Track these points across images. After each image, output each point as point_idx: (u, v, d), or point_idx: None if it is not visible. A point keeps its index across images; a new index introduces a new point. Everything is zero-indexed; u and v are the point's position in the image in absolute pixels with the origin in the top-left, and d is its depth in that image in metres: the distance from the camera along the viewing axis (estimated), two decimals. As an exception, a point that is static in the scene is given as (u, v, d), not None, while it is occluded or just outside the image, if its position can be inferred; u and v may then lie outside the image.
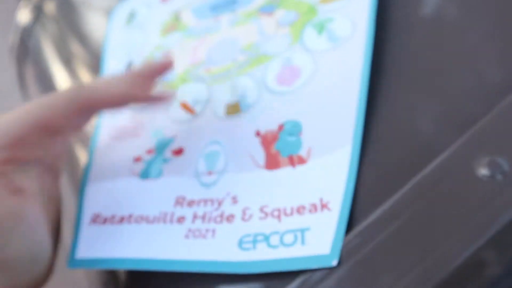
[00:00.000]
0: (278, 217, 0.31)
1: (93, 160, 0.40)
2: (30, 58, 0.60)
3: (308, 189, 0.31)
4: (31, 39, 0.60)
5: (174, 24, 0.46)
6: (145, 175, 0.37)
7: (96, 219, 0.36)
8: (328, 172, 0.31)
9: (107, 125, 0.43)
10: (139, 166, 0.37)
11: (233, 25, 0.43)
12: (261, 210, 0.32)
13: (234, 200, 0.33)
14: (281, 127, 0.35)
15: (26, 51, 0.60)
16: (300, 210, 0.31)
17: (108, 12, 0.53)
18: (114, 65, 0.47)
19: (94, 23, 0.56)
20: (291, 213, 0.31)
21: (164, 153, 0.38)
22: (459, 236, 0.24)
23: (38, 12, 0.61)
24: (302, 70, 0.36)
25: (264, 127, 0.35)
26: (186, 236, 0.32)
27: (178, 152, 0.37)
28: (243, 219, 0.32)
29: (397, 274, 0.25)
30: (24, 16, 0.62)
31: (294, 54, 0.38)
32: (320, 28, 0.38)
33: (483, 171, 0.26)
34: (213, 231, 0.32)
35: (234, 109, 0.37)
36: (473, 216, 0.25)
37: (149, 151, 0.38)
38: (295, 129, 0.34)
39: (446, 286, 0.24)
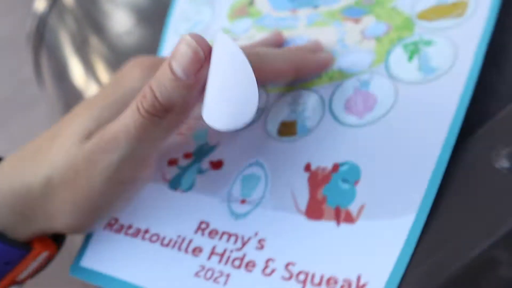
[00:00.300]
0: (303, 282, 0.26)
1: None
2: (45, 46, 0.58)
3: (347, 258, 0.26)
4: (47, 27, 0.58)
5: (245, 8, 0.41)
6: (175, 184, 0.33)
7: (112, 224, 0.32)
8: (378, 244, 0.25)
9: None
10: (172, 172, 0.34)
11: (311, 24, 0.37)
12: (286, 267, 0.27)
13: (261, 244, 0.28)
14: (336, 167, 0.29)
15: (41, 39, 0.59)
16: (330, 282, 0.25)
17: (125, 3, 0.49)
18: (174, 40, 0.43)
19: (111, 13, 0.53)
20: (319, 283, 0.25)
21: (202, 162, 0.33)
22: (476, 229, 0.24)
23: (54, 0, 0.59)
24: (379, 101, 0.30)
25: (317, 161, 0.30)
26: (197, 274, 0.28)
27: (217, 165, 0.33)
28: (263, 272, 0.27)
29: (411, 265, 0.24)
30: (40, 4, 0.60)
31: (373, 78, 0.31)
32: (413, 51, 0.31)
33: (502, 163, 0.25)
34: (227, 276, 0.27)
35: (289, 129, 0.32)
36: (491, 209, 0.24)
37: (187, 155, 0.34)
38: (352, 174, 0.28)
39: (460, 279, 0.23)
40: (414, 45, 0.31)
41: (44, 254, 0.31)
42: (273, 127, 0.32)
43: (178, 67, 0.26)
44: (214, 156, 0.33)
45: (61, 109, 0.49)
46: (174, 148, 0.35)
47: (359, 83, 0.31)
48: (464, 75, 0.28)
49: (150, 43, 0.46)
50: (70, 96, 0.48)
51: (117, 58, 0.49)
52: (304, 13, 0.37)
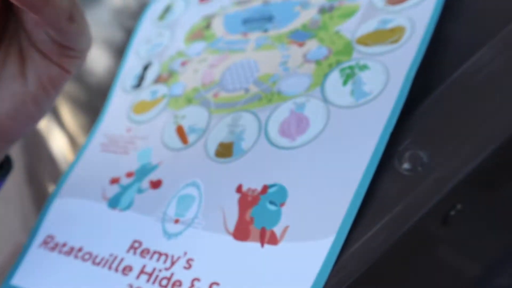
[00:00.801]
0: None
1: (72, 170, 0.37)
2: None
3: (269, 279, 0.25)
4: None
5: (202, 31, 0.41)
6: (114, 203, 0.33)
7: (48, 241, 0.32)
8: (298, 265, 0.25)
9: (101, 132, 0.39)
10: (113, 190, 0.34)
11: (259, 47, 0.37)
12: (210, 287, 0.27)
13: (189, 264, 0.28)
14: (265, 188, 0.29)
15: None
16: None
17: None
18: (134, 60, 0.43)
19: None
20: None
21: (143, 182, 0.33)
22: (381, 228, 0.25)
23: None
24: (311, 124, 0.30)
25: (248, 183, 0.30)
26: None
27: (156, 184, 0.33)
28: None
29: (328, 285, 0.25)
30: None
31: (309, 101, 0.31)
32: (348, 75, 0.31)
33: (405, 165, 0.27)
34: None
35: (226, 150, 0.32)
36: (393, 209, 0.25)
37: (129, 174, 0.35)
38: (279, 196, 0.28)
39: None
40: (350, 69, 0.31)
41: None
42: (211, 148, 0.33)
43: None
44: (155, 175, 0.33)
45: (20, 153, 0.49)
46: (118, 165, 0.35)
47: (295, 106, 0.31)
48: (392, 99, 0.28)
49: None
50: (30, 141, 0.49)
51: (85, 99, 0.49)
52: (254, 36, 0.38)
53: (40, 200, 0.43)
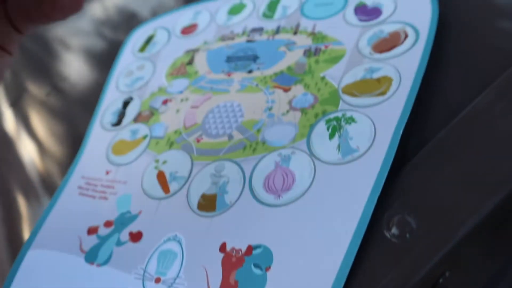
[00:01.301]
0: None
1: (48, 215, 0.36)
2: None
3: None
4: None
5: (184, 67, 0.40)
6: (91, 257, 0.31)
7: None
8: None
9: (79, 173, 0.37)
10: (91, 241, 0.32)
11: (243, 89, 0.36)
12: None
13: None
14: (250, 249, 0.28)
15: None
16: None
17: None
18: (113, 94, 0.42)
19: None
20: None
21: (122, 233, 0.32)
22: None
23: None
24: (297, 180, 0.29)
25: (232, 242, 0.29)
26: None
27: (136, 237, 0.32)
28: None
29: None
30: None
31: (294, 154, 0.30)
32: (334, 128, 0.30)
33: (393, 230, 0.26)
34: None
35: (209, 203, 0.31)
36: (381, 281, 0.24)
37: (107, 224, 0.33)
38: (264, 259, 0.27)
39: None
40: (336, 121, 0.31)
41: None
42: (194, 199, 0.31)
43: None
44: (135, 226, 0.32)
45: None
46: (96, 212, 0.34)
47: (280, 158, 0.30)
48: (379, 158, 0.28)
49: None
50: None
51: (60, 107, 0.48)
52: (238, 76, 0.37)
53: (7, 209, 0.42)
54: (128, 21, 0.53)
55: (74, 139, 0.42)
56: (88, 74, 0.50)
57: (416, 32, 0.33)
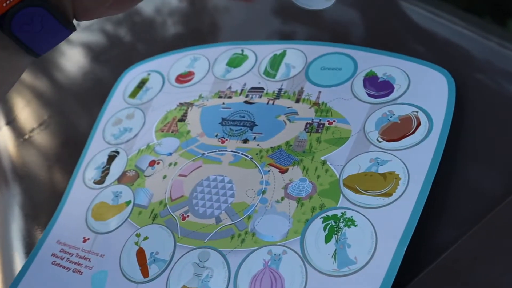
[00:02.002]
0: None
1: (18, 285, 0.33)
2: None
3: None
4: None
5: (176, 124, 0.37)
6: None
7: None
8: None
9: (55, 237, 0.34)
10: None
11: (236, 162, 0.33)
12: None
13: None
14: None
15: None
16: None
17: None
18: (99, 145, 0.38)
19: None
20: None
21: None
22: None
23: None
24: (286, 287, 0.27)
25: None
26: None
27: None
28: None
29: None
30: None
31: (286, 254, 0.27)
32: (332, 230, 0.27)
33: None
34: None
35: (189, 297, 0.29)
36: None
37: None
38: None
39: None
40: (335, 220, 0.28)
41: None
42: None
43: None
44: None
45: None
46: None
47: (270, 257, 0.28)
48: (380, 274, 0.25)
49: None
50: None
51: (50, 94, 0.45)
52: (232, 145, 0.34)
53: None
54: (131, 17, 0.51)
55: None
56: (82, 66, 0.49)
57: (430, 120, 0.30)
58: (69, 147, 0.41)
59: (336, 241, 0.27)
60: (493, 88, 0.32)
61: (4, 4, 0.25)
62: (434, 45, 0.36)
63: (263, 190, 0.31)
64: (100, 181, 0.36)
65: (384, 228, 0.26)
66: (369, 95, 0.33)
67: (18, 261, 0.36)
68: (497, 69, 0.33)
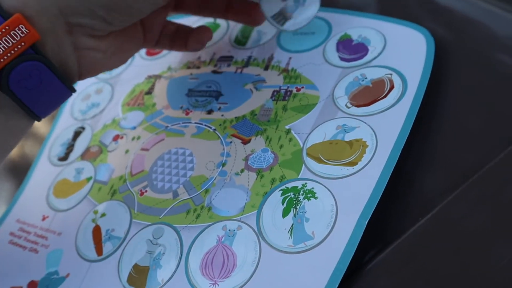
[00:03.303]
0: None
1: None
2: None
3: None
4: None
5: (142, 96, 0.35)
6: (5, 326, 0.28)
7: None
8: None
9: (14, 215, 0.33)
10: (9, 306, 0.29)
11: (199, 134, 0.31)
12: None
13: None
14: None
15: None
16: None
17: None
18: (66, 121, 0.37)
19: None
20: None
21: (44, 298, 0.28)
22: None
23: None
24: (238, 266, 0.24)
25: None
26: None
27: (58, 305, 0.28)
28: None
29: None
30: None
31: (240, 230, 0.25)
32: (290, 203, 0.25)
33: None
34: None
35: (139, 278, 0.26)
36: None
37: (31, 285, 0.29)
38: None
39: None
40: (294, 193, 0.25)
41: (20, 32, 0.24)
42: (125, 268, 0.27)
43: None
44: (60, 292, 0.28)
45: None
46: (23, 270, 0.30)
47: (224, 233, 0.26)
48: (336, 254, 0.22)
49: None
50: None
51: None
52: (196, 117, 0.32)
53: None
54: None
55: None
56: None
57: (404, 83, 0.27)
58: (37, 125, 0.40)
59: (294, 215, 0.24)
60: (477, 51, 0.28)
61: (1, 60, 0.24)
62: (415, 4, 0.32)
63: (223, 162, 0.28)
64: (64, 158, 0.35)
65: (346, 200, 0.24)
66: (342, 59, 0.30)
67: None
68: (483, 30, 0.30)
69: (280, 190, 0.26)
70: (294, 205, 0.25)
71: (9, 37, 0.24)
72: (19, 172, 0.38)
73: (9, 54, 0.24)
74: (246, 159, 0.28)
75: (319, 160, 0.26)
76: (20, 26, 0.24)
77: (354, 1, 0.35)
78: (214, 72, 0.34)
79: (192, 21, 0.38)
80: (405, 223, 0.23)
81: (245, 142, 0.29)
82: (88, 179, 0.33)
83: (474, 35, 0.29)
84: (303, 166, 0.26)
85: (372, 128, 0.26)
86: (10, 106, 0.25)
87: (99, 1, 0.25)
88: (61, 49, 0.25)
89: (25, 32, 0.24)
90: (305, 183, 0.25)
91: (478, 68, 0.27)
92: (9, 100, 0.25)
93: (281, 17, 0.31)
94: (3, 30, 0.23)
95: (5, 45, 0.24)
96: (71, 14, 0.25)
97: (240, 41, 0.35)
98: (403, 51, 0.29)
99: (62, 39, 0.25)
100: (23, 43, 0.24)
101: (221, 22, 0.37)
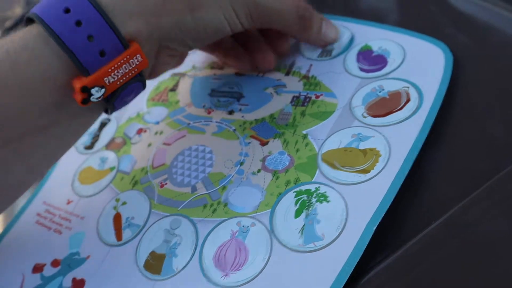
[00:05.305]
0: None
1: (3, 240, 0.33)
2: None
3: None
4: None
5: (166, 94, 0.36)
6: (28, 301, 0.30)
7: None
8: None
9: (41, 198, 0.35)
10: (33, 282, 0.30)
11: (219, 133, 0.33)
12: None
13: None
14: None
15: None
16: None
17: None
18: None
19: None
20: None
21: (66, 277, 0.30)
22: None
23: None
24: (249, 261, 0.25)
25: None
26: None
27: (79, 285, 0.29)
28: None
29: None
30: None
31: (254, 226, 0.27)
32: (303, 205, 0.26)
33: None
34: None
35: (156, 264, 0.28)
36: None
37: (54, 263, 0.31)
38: None
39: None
40: (307, 195, 0.27)
41: (136, 60, 0.27)
42: (143, 254, 0.28)
43: None
44: (80, 272, 0.30)
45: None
46: (47, 247, 0.32)
47: (238, 228, 0.27)
48: (343, 256, 0.24)
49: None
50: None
51: None
52: (217, 116, 0.33)
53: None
54: None
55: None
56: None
57: (420, 97, 0.28)
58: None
59: (306, 216, 0.26)
60: (496, 62, 0.29)
61: (118, 83, 0.27)
62: (435, 19, 0.33)
63: (241, 161, 0.30)
64: (90, 146, 0.37)
65: (356, 205, 0.25)
66: (361, 69, 0.31)
67: (2, 220, 0.37)
68: (505, 39, 0.30)
69: (294, 192, 0.27)
70: (306, 207, 0.26)
71: (128, 65, 0.27)
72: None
73: (124, 78, 0.27)
74: (263, 160, 0.29)
75: (333, 166, 0.27)
76: (137, 56, 0.27)
77: (376, 11, 0.36)
78: (237, 74, 0.35)
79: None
80: (413, 230, 0.24)
81: (263, 143, 0.30)
82: (112, 168, 0.34)
83: (494, 44, 0.30)
84: (318, 170, 0.27)
85: (386, 139, 0.27)
86: (99, 108, 0.29)
87: (191, 36, 0.28)
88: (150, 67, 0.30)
89: (139, 60, 0.27)
90: (319, 187, 0.27)
91: (496, 81, 0.28)
92: (103, 106, 0.29)
93: (325, 53, 0.33)
94: (124, 59, 0.27)
95: (123, 71, 0.27)
96: (166, 40, 0.28)
97: None
98: (422, 65, 0.30)
99: (153, 59, 0.29)
100: (136, 69, 0.27)
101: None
